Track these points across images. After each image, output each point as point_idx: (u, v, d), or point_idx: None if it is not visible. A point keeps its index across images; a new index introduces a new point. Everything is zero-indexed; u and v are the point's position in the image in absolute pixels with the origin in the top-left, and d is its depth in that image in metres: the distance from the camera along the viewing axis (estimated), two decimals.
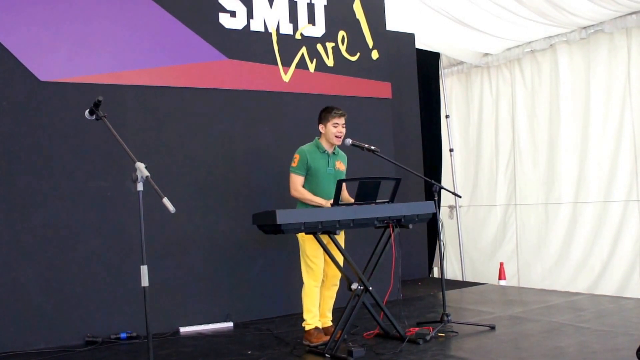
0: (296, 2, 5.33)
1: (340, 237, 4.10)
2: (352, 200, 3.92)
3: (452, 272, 8.04)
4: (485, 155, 7.82)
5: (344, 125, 4.04)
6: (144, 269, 2.68)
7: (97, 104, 2.93)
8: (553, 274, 6.80)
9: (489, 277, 7.26)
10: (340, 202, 3.75)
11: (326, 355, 3.56)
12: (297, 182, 3.99)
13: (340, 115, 4.01)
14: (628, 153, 6.17)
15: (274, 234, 3.74)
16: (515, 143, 7.38)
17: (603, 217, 6.37)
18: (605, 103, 6.36)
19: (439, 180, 7.74)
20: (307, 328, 3.93)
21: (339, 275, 3.99)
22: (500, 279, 6.79)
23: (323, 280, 4.05)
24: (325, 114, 4.02)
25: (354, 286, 3.73)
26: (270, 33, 5.18)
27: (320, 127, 4.05)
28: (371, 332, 4.06)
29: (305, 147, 4.05)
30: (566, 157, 6.73)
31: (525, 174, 7.26)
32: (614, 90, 6.28)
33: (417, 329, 4.04)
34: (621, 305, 4.80)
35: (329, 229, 3.65)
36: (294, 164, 3.99)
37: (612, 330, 3.92)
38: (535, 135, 7.12)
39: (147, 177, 2.64)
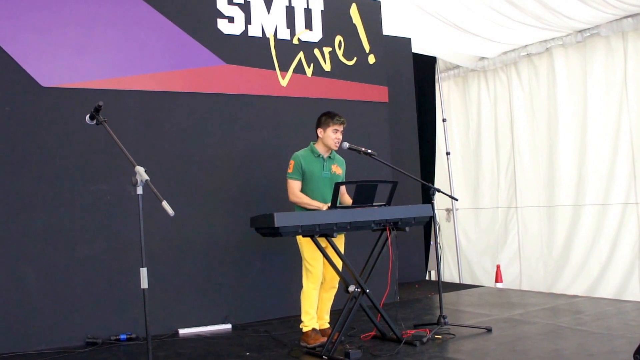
0: (293, 7, 5.37)
1: (340, 242, 4.14)
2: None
3: (449, 275, 8.05)
4: (485, 158, 7.82)
5: (343, 132, 4.08)
6: (144, 271, 2.72)
7: (97, 109, 2.97)
8: (552, 276, 6.80)
9: (487, 279, 7.28)
10: (338, 205, 3.78)
11: (323, 357, 3.58)
12: (294, 187, 4.03)
13: (341, 123, 4.05)
14: (626, 156, 6.18)
15: (272, 237, 3.78)
16: (514, 146, 7.39)
17: (602, 220, 6.36)
18: (602, 106, 6.37)
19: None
20: (304, 330, 3.97)
21: (338, 278, 4.02)
22: (497, 281, 6.80)
23: (322, 283, 4.09)
24: (326, 119, 4.06)
25: (351, 288, 3.77)
26: (268, 38, 5.22)
27: (319, 131, 4.09)
28: (368, 334, 4.09)
29: (299, 153, 4.09)
30: (565, 160, 6.73)
31: (525, 177, 7.27)
32: (611, 94, 6.29)
33: (413, 331, 4.06)
34: (620, 308, 4.82)
35: (326, 231, 3.69)
36: (289, 170, 4.05)
37: (610, 332, 3.93)
38: (535, 138, 7.13)
39: (146, 180, 2.69)
